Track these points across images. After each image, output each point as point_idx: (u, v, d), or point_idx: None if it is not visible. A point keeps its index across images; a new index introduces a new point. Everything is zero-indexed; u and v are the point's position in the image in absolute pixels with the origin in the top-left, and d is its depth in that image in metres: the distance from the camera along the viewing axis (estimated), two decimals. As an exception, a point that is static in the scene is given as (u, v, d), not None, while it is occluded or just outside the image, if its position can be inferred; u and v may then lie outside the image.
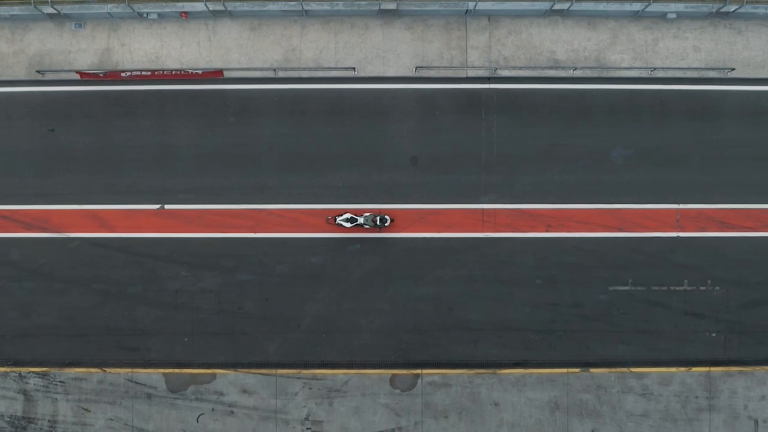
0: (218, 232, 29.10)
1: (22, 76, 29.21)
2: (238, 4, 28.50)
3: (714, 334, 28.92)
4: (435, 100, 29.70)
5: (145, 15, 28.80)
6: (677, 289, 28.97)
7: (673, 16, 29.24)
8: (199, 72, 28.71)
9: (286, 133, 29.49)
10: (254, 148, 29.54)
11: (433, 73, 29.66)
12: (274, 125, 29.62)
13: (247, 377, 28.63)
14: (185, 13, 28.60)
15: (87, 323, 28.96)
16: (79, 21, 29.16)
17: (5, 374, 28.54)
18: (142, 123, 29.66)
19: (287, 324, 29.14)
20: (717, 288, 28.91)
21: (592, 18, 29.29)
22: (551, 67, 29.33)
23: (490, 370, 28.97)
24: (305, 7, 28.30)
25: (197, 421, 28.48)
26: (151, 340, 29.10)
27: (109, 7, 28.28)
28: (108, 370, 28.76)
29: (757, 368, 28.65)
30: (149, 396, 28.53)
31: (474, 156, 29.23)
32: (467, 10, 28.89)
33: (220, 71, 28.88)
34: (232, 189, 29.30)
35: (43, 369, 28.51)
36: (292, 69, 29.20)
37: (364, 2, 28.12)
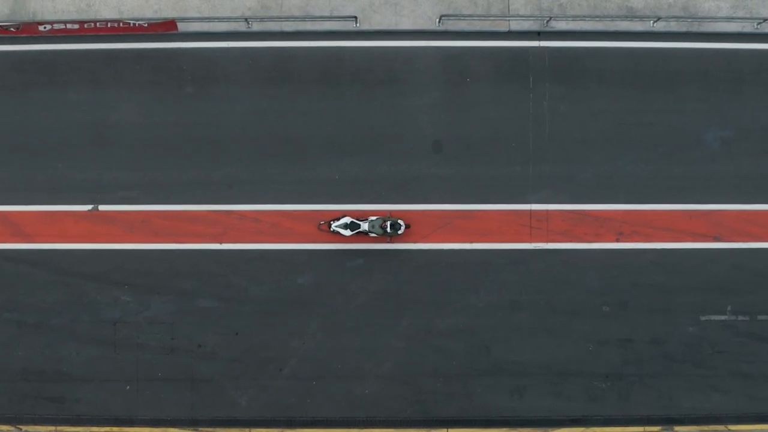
0: (172, 242, 22.24)
1: None
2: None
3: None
4: (466, 64, 22.60)
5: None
6: (795, 319, 21.40)
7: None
8: (145, 24, 21.49)
9: (263, 109, 22.40)
10: (220, 129, 22.48)
11: (463, 26, 22.45)
12: (247, 98, 22.48)
13: (211, 440, 21.22)
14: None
15: (-6, 366, 21.35)
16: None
17: None
18: (68, 96, 22.62)
19: (265, 367, 22.28)
20: None
21: (678, -49, 21.27)
22: (624, 18, 22.33)
23: (541, 430, 20.94)
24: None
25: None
26: (81, 388, 22.38)
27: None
28: (24, 428, 21.70)
29: None
30: (78, 465, 21.10)
31: (519, 139, 22.17)
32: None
33: (172, 23, 21.30)
34: (191, 184, 22.30)
35: (-65, 428, 20.81)
36: (272, 19, 22.21)
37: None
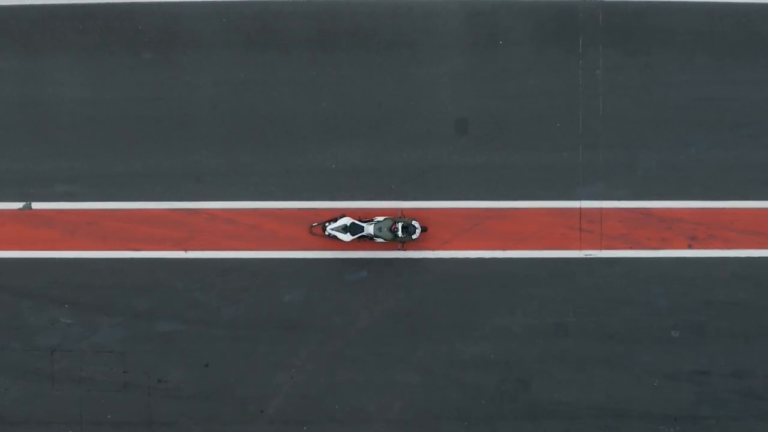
0: (124, 249, 17.83)
1: None
2: None
3: None
4: (497, 22, 17.99)
5: None
6: None
7: None
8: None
9: (240, 80, 17.91)
10: (186, 105, 17.91)
11: (495, -27, 16.91)
12: (220, 67, 17.94)
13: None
14: None
15: None
16: None
17: None
18: (-8, 62, 17.29)
19: (243, 408, 17.90)
20: None
21: None
22: (699, -37, 17.06)
23: (593, 488, 16.47)
24: None
25: None
26: (10, 433, 16.84)
27: None
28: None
29: None
30: None
31: (565, 118, 17.63)
32: None
33: (122, -31, 15.86)
34: (148, 176, 17.83)
35: None
36: (250, -36, 16.45)
37: None
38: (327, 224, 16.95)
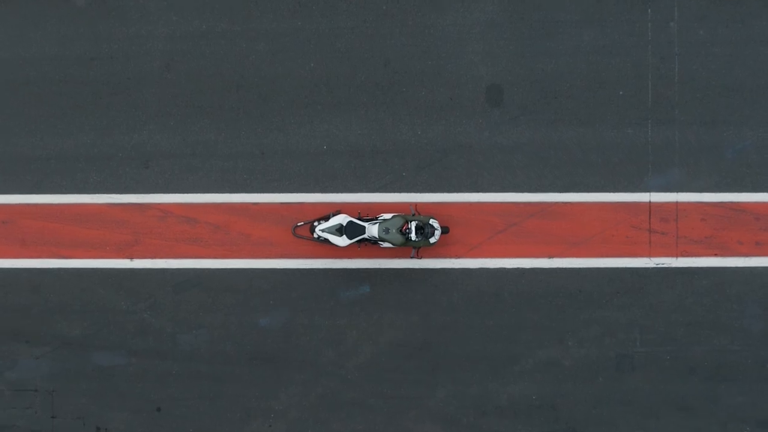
0: (49, 256, 13.68)
1: None
2: None
3: None
4: None
5: None
6: None
7: None
8: None
9: (200, 33, 13.77)
10: (130, 67, 13.63)
11: None
12: (175, 13, 13.69)
13: None
14: None
15: None
16: None
17: None
18: None
19: None
20: None
21: None
22: None
23: None
24: None
25: None
26: None
27: None
28: None
29: None
30: None
31: (631, 84, 13.55)
32: None
33: None
34: (81, 160, 13.67)
35: None
36: None
37: None
38: (316, 224, 12.51)
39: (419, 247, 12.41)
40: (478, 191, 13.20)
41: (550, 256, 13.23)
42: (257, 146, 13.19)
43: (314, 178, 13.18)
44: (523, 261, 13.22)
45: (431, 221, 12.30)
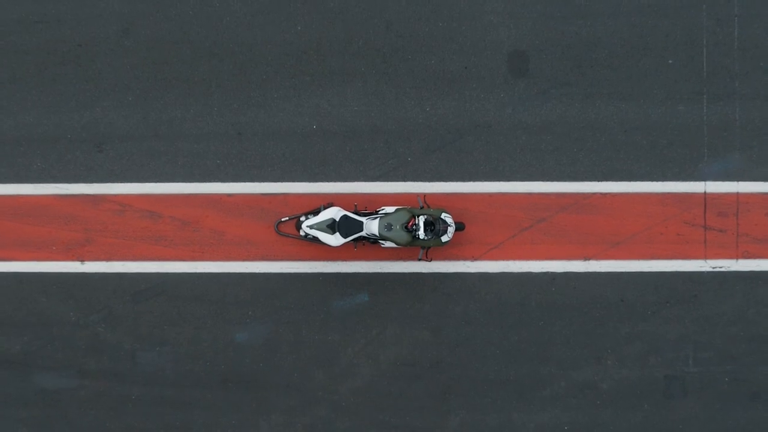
0: None
1: None
2: None
3: None
4: None
5: None
6: None
7: None
8: None
9: None
10: (81, 30, 11.23)
11: None
12: None
13: None
14: None
15: None
16: None
17: None
18: None
19: None
20: None
21: None
22: None
23: None
24: None
25: None
26: None
27: None
28: None
29: None
30: None
31: (681, 51, 11.25)
32: None
33: None
34: (23, 143, 11.39)
35: None
36: None
37: None
38: (303, 219, 10.21)
39: (428, 247, 10.12)
40: (499, 180, 10.91)
41: (586, 258, 10.92)
42: (233, 125, 10.89)
43: (302, 163, 10.88)
44: (553, 264, 10.93)
45: (443, 216, 10.00)
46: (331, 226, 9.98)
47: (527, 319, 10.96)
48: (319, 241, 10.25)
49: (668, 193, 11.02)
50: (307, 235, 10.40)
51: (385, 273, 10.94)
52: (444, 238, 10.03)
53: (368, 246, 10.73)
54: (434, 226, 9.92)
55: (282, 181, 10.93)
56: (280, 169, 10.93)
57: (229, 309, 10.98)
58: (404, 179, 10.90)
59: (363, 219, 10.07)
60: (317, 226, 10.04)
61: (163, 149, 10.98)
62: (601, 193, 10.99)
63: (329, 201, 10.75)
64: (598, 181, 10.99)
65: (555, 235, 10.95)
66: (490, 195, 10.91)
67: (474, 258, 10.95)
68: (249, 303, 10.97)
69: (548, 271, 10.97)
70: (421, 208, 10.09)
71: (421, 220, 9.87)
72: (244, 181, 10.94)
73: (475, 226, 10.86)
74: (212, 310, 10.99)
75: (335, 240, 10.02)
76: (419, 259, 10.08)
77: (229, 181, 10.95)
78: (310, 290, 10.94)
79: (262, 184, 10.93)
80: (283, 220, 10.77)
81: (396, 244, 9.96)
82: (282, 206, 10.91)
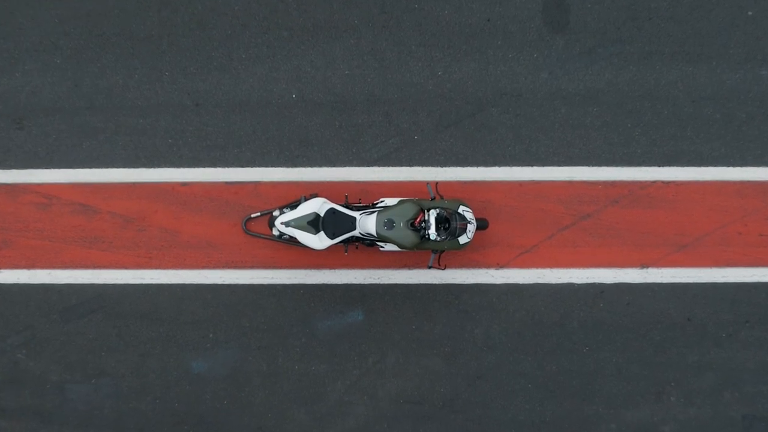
0: None
1: None
2: None
3: None
4: None
5: None
6: None
7: None
8: None
9: None
10: None
11: None
12: None
13: None
14: None
15: None
16: None
17: None
18: None
19: None
20: None
21: None
22: None
23: None
24: None
25: None
26: None
27: None
28: None
29: None
30: None
31: (764, 1, 7.15)
32: None
33: None
34: None
35: None
36: None
37: None
38: (277, 214, 7.68)
39: (442, 251, 7.61)
40: (531, 164, 8.41)
41: (643, 265, 8.42)
42: (189, 94, 8.40)
43: (277, 143, 8.39)
44: (600, 273, 8.42)
45: (461, 209, 7.50)
46: (314, 224, 7.49)
47: (568, 343, 8.46)
48: (299, 242, 7.76)
49: (748, 182, 8.54)
50: (282, 235, 7.92)
51: (384, 285, 8.45)
52: (462, 239, 7.53)
53: (362, 249, 8.26)
54: (449, 224, 7.44)
55: (252, 166, 8.45)
56: (250, 151, 8.45)
57: (184, 330, 8.48)
58: (410, 163, 8.42)
59: (356, 214, 7.60)
60: (296, 224, 7.54)
61: (100, 125, 8.50)
62: (662, 182, 8.50)
63: (313, 192, 8.28)
64: (659, 166, 8.50)
65: (603, 236, 8.46)
66: (521, 184, 8.42)
67: (500, 265, 8.45)
68: (209, 323, 8.48)
69: (595, 282, 8.47)
70: (432, 199, 7.59)
71: (432, 215, 7.38)
72: (204, 166, 8.46)
73: (501, 224, 8.37)
74: (163, 331, 8.49)
75: (319, 241, 7.52)
76: (429, 267, 7.58)
77: (185, 166, 8.47)
78: (288, 307, 8.44)
79: (227, 170, 8.45)
80: (253, 216, 8.29)
81: (399, 246, 7.48)
82: (252, 198, 8.42)
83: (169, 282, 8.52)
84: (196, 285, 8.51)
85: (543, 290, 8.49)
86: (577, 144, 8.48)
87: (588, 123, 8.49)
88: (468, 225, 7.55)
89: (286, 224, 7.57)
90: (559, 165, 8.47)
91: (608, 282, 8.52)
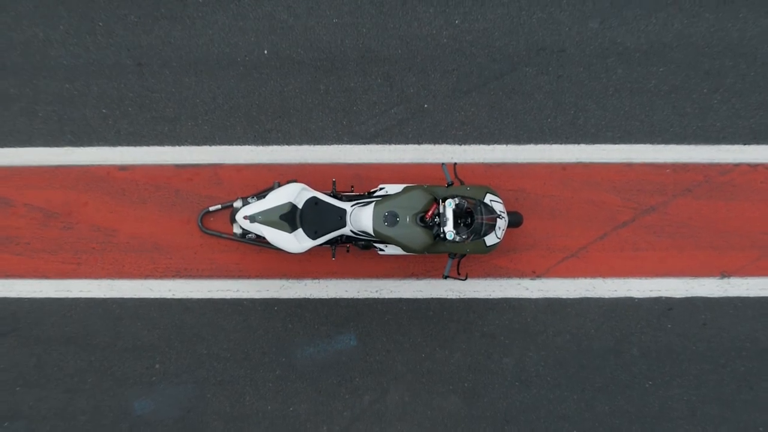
0: None
1: None
2: None
3: None
4: None
5: None
6: None
7: None
8: None
9: None
10: None
11: None
12: None
13: None
14: None
15: None
16: None
17: None
18: None
19: None
20: None
21: None
22: None
23: None
24: None
25: None
26: None
27: None
28: None
29: None
30: None
31: None
32: None
33: None
34: None
35: None
36: None
37: None
38: (240, 204, 5.57)
39: (462, 256, 5.57)
40: (578, 141, 6.36)
41: (723, 275, 6.37)
42: (129, 51, 6.36)
43: (244, 113, 6.35)
44: (668, 284, 6.36)
45: (488, 199, 5.43)
46: (289, 218, 5.44)
47: (625, 376, 6.40)
48: (266, 243, 5.74)
49: None
50: (246, 233, 5.87)
51: (384, 300, 6.40)
52: (490, 240, 5.49)
53: (355, 253, 6.22)
54: (472, 218, 5.39)
55: (211, 144, 6.41)
56: (208, 124, 6.41)
57: (123, 359, 6.44)
58: (418, 140, 6.38)
59: (346, 206, 5.56)
60: (264, 218, 5.49)
61: (13, 92, 6.48)
62: (748, 165, 6.45)
63: (291, 178, 6.24)
64: (744, 144, 6.45)
65: (672, 235, 6.40)
66: (564, 167, 6.37)
67: (537, 274, 6.39)
68: (156, 349, 6.43)
69: (660, 296, 6.41)
70: (449, 186, 5.54)
71: (450, 206, 5.33)
72: (148, 145, 6.42)
73: (538, 220, 6.33)
74: (95, 360, 6.45)
75: (296, 242, 5.48)
76: (445, 277, 5.52)
77: (123, 145, 6.44)
78: (258, 329, 6.40)
79: (178, 149, 6.42)
80: (212, 209, 6.26)
81: (404, 249, 5.45)
82: (210, 185, 6.38)
83: (103, 296, 6.48)
84: (137, 300, 6.47)
85: (593, 307, 6.44)
86: (638, 115, 6.44)
87: (652, 88, 6.46)
88: (497, 220, 5.51)
89: (251, 219, 5.52)
90: (615, 142, 6.43)
91: (678, 296, 6.47)
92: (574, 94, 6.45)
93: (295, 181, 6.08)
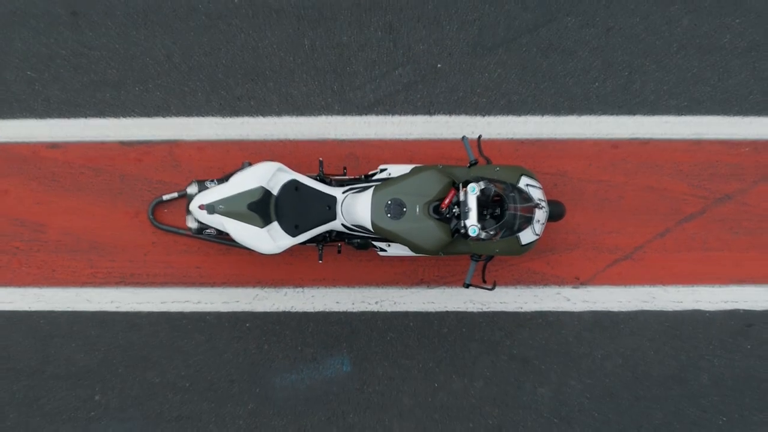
0: None
1: None
2: None
3: None
4: None
5: None
6: None
7: None
8: None
9: None
10: None
11: None
12: None
13: None
14: None
15: None
16: None
17: None
18: None
19: None
20: None
21: None
22: None
23: None
24: None
25: None
26: None
27: None
28: None
29: None
30: None
31: None
32: None
33: None
34: None
35: None
36: None
37: None
38: (195, 189, 4.11)
39: (489, 258, 4.15)
40: (633, 112, 4.97)
41: (816, 280, 4.99)
42: (68, 2, 5.00)
43: (206, 75, 4.94)
44: (746, 293, 5.00)
45: (523, 182, 4.03)
46: (260, 208, 4.04)
47: (692, 410, 5.00)
48: (231, 241, 4.35)
49: None
50: (203, 228, 4.46)
51: (386, 313, 5.00)
52: (525, 237, 4.10)
53: (349, 254, 4.83)
54: (503, 208, 3.99)
55: (165, 116, 5.01)
56: (161, 89, 5.00)
57: (53, 389, 5.05)
58: (429, 110, 4.98)
59: (336, 192, 4.17)
60: (227, 207, 4.07)
61: None
62: None
63: (265, 158, 4.84)
64: (841, 115, 5.07)
65: (752, 232, 5.02)
66: (615, 145, 4.98)
67: (580, 281, 4.99)
68: (96, 377, 5.04)
69: (737, 309, 5.03)
70: (472, 165, 4.14)
71: (473, 193, 3.92)
72: (85, 116, 5.02)
73: (582, 212, 4.94)
74: (19, 390, 5.06)
75: (269, 239, 4.08)
76: (467, 285, 4.11)
77: (54, 117, 5.03)
78: (225, 351, 4.99)
79: (123, 121, 5.02)
80: (165, 198, 4.86)
81: (412, 249, 4.10)
82: (165, 168, 4.98)
83: (28, 308, 5.08)
84: (72, 314, 5.07)
85: (651, 322, 5.05)
86: (709, 79, 5.05)
87: (726, 44, 5.07)
88: (536, 211, 4.11)
89: (209, 209, 4.11)
90: (679, 114, 5.05)
91: (759, 308, 5.08)
92: (628, 51, 5.07)
93: (272, 161, 4.67)
